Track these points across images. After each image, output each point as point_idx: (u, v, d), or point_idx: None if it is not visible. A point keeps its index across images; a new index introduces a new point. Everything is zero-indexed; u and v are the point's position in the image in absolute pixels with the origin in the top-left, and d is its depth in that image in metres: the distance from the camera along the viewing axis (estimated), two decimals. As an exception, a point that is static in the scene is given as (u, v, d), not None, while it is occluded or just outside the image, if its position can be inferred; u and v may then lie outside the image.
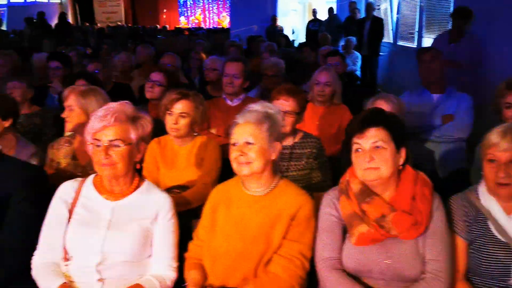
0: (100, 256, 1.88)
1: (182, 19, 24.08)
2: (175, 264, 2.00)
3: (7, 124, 2.75)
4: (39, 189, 2.05)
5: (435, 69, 3.47)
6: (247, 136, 1.90)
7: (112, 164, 1.90)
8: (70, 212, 1.96)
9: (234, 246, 1.92)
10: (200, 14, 23.95)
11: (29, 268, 1.93)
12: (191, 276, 1.97)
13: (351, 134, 1.85)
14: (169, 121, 2.74)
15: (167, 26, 21.08)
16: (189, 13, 24.14)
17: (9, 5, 17.18)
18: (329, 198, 1.95)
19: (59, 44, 8.72)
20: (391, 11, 9.65)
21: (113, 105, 1.99)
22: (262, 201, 1.96)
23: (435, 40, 5.61)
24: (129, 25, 22.24)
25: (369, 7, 9.04)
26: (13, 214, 1.96)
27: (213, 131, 3.57)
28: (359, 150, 1.83)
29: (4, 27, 14.90)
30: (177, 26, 20.89)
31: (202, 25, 22.87)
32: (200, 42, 7.45)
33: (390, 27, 9.72)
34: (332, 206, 1.92)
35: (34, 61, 5.16)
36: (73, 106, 2.68)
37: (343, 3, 11.65)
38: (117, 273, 1.89)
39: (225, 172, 2.84)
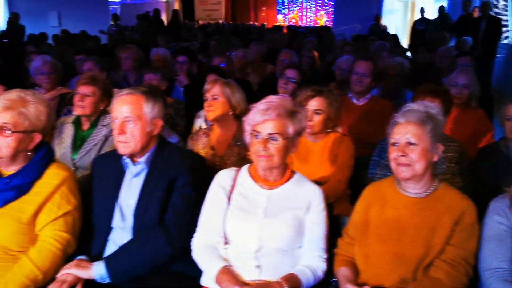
0: (258, 243, 1.96)
1: (280, 17, 24.27)
2: (325, 255, 2.03)
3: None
4: (200, 175, 2.18)
5: None
6: (410, 136, 1.87)
7: (269, 156, 1.98)
8: (228, 198, 2.06)
9: (390, 247, 1.90)
10: (297, 12, 24.00)
11: (189, 248, 2.07)
12: (342, 272, 1.99)
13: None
14: (304, 118, 2.78)
15: (266, 23, 21.45)
16: (286, 11, 24.30)
17: (122, 3, 18.46)
18: (498, 205, 1.86)
19: (171, 40, 9.19)
20: (511, 10, 8.99)
21: (274, 99, 2.05)
22: (420, 204, 1.92)
23: None
24: (229, 22, 22.88)
25: (486, 6, 8.50)
26: (177, 196, 2.10)
27: (339, 129, 3.56)
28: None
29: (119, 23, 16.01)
30: (275, 24, 21.12)
31: (299, 23, 22.91)
32: (309, 40, 7.45)
33: (510, 27, 9.06)
34: (503, 214, 1.83)
35: (153, 56, 5.47)
36: (218, 95, 2.81)
37: (455, 1, 11.04)
38: (272, 261, 1.96)
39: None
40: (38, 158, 2.12)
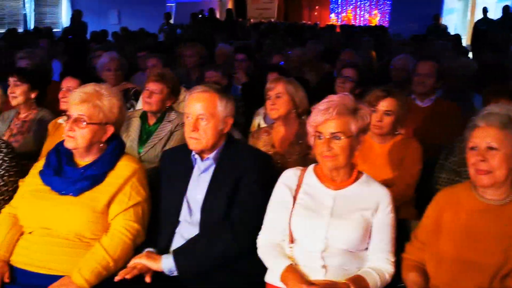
0: (324, 243, 1.94)
1: (332, 16, 24.00)
2: (393, 258, 1.99)
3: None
4: (266, 174, 2.19)
5: None
6: (490, 141, 1.79)
7: (333, 156, 1.95)
8: (294, 198, 2.06)
9: (464, 254, 1.83)
10: (351, 11, 23.64)
11: (254, 246, 2.08)
12: (411, 278, 1.94)
13: None
14: (373, 118, 2.73)
15: (318, 22, 21.27)
16: (339, 10, 24.00)
17: (178, 2, 18.86)
18: None
19: (227, 39, 9.28)
20: None
21: (334, 98, 2.03)
22: (499, 211, 1.83)
23: None
24: (281, 21, 22.87)
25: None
26: (244, 193, 2.12)
27: (402, 132, 3.47)
28: None
29: (171, 21, 16.37)
30: (328, 23, 20.91)
31: (352, 22, 22.56)
32: (367, 39, 7.32)
33: None
34: None
35: (218, 51, 5.55)
36: (281, 94, 2.81)
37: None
38: (338, 261, 1.94)
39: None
40: (111, 149, 2.20)
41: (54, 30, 11.07)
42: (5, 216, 2.19)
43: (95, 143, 2.16)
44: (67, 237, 2.06)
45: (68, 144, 2.13)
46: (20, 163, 2.45)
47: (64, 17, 13.71)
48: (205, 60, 5.23)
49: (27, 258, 2.05)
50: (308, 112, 2.87)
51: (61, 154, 2.20)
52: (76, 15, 11.30)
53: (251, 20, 22.49)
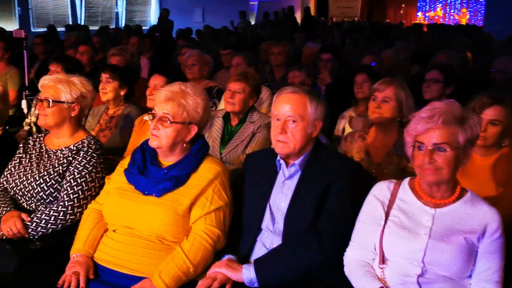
0: (421, 267, 1.75)
1: (420, 14, 22.91)
2: (500, 290, 1.75)
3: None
4: (357, 183, 2.03)
5: None
6: None
7: (436, 169, 1.75)
8: (387, 214, 1.88)
9: None
10: (440, 10, 22.41)
11: (341, 259, 1.94)
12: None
13: None
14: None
15: (404, 22, 20.40)
16: (427, 8, 22.85)
17: (260, 1, 18.96)
18: None
19: (307, 38, 9.10)
20: None
21: (439, 104, 1.82)
22: None
23: None
24: (364, 20, 22.22)
25: None
26: (332, 203, 1.97)
27: (508, 143, 3.13)
28: None
29: (253, 20, 16.47)
30: (415, 22, 19.99)
31: (441, 21, 21.37)
32: (462, 39, 6.82)
33: None
34: None
35: (305, 50, 5.41)
36: (390, 98, 2.60)
37: None
38: (437, 289, 1.73)
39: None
40: (195, 150, 2.15)
41: (143, 28, 11.52)
42: (91, 212, 2.22)
43: (179, 143, 2.12)
44: (149, 239, 2.03)
45: (153, 143, 2.10)
46: (108, 160, 2.48)
47: (152, 16, 14.27)
48: (291, 59, 5.13)
49: (110, 256, 2.05)
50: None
51: (146, 153, 2.19)
52: (164, 13, 11.68)
53: (333, 19, 22.10)
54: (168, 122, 2.06)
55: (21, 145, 2.49)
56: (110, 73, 3.52)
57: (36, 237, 2.22)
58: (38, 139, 2.50)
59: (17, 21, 10.81)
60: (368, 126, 3.38)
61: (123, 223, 2.08)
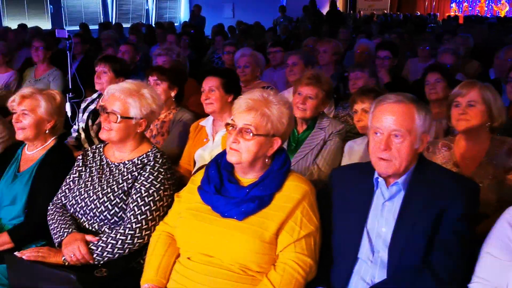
0: None
1: (453, 6, 22.16)
2: None
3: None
4: (474, 208, 1.74)
5: None
6: None
7: None
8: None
9: None
10: (484, 1, 21.55)
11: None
12: None
13: None
14: None
15: (437, 14, 19.76)
16: (461, -1, 22.10)
17: (289, -5, 18.61)
18: None
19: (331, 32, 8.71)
20: None
21: None
22: None
23: None
24: (394, 12, 21.63)
25: None
26: (448, 232, 1.68)
27: None
28: None
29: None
30: (448, 14, 19.34)
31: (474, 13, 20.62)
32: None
33: None
34: None
35: (358, 47, 5.09)
36: (476, 102, 2.32)
37: None
38: None
39: None
40: (277, 166, 1.89)
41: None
42: (160, 235, 1.99)
43: (260, 158, 1.87)
44: (231, 268, 1.79)
45: (231, 158, 1.85)
46: (176, 175, 2.25)
47: (182, 12, 14.09)
48: (339, 57, 4.83)
49: (184, 287, 1.82)
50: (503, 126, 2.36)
51: (221, 169, 1.94)
52: (196, 10, 11.47)
53: (361, 12, 21.57)
54: (250, 134, 1.81)
55: (80, 157, 2.28)
56: (157, 75, 3.30)
57: (102, 263, 2.00)
58: (97, 151, 2.28)
59: (49, 19, 10.75)
60: (443, 132, 3.09)
61: (200, 250, 1.84)
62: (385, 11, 21.33)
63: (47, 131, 2.42)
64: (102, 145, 2.32)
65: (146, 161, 2.15)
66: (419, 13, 20.79)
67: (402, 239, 1.72)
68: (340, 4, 21.99)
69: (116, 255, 2.00)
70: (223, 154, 1.98)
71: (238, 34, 9.40)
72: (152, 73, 3.34)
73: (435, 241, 1.69)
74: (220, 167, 1.95)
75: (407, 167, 1.76)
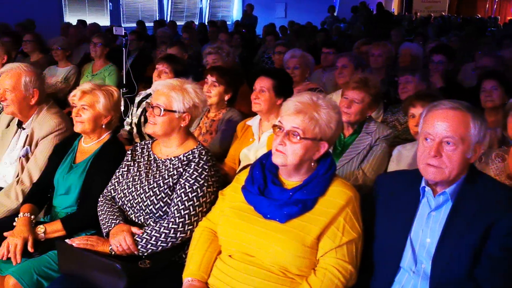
0: None
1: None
2: None
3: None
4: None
5: None
6: None
7: None
8: None
9: None
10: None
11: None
12: None
13: None
14: None
15: (498, 17, 18.90)
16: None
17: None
18: None
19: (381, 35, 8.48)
20: None
21: None
22: None
23: None
24: (453, 15, 20.87)
25: None
26: (495, 247, 1.62)
27: None
28: None
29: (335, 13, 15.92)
30: (510, 18, 18.43)
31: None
32: None
33: None
34: None
35: (403, 51, 4.98)
36: None
37: None
38: None
39: None
40: (322, 171, 1.88)
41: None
42: (203, 231, 2.03)
43: (306, 161, 1.86)
44: (271, 269, 1.80)
45: (277, 160, 1.86)
46: (220, 173, 2.28)
47: (235, 11, 14.23)
48: (391, 61, 4.72)
49: (224, 284, 1.84)
50: None
51: (266, 170, 1.95)
52: (248, 9, 11.56)
53: (418, 13, 20.95)
54: (298, 137, 1.81)
55: (129, 152, 2.36)
56: (217, 76, 3.30)
57: (145, 254, 2.06)
58: (146, 146, 2.36)
59: (108, 16, 11.16)
60: (497, 142, 2.96)
61: (241, 249, 1.86)
62: (443, 13, 20.63)
63: (103, 126, 2.52)
64: (150, 141, 2.39)
65: (191, 157, 2.20)
66: (479, 16, 19.98)
67: (447, 251, 1.67)
68: (395, 5, 21.52)
69: (159, 248, 2.06)
70: (268, 155, 1.99)
71: (290, 34, 9.38)
72: (212, 73, 3.33)
73: (482, 256, 1.63)
74: (264, 168, 1.96)
75: (456, 176, 1.70)
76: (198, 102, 2.22)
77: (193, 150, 2.23)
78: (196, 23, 11.77)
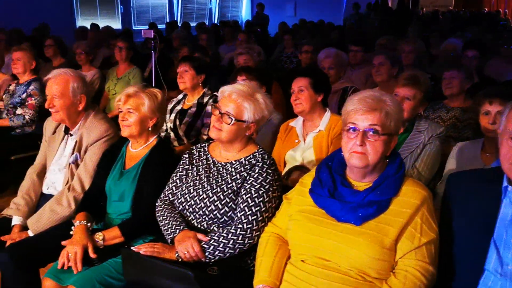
0: None
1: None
2: None
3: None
4: None
5: None
6: None
7: None
8: None
9: None
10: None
11: None
12: None
13: None
14: None
15: (506, 10, 18.78)
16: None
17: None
18: None
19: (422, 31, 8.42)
20: None
21: None
22: None
23: None
24: (460, 9, 20.76)
25: None
26: None
27: None
28: None
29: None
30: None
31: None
32: None
33: None
34: None
35: (444, 47, 4.94)
36: None
37: None
38: None
39: None
40: (393, 170, 1.84)
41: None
42: (270, 237, 1.99)
43: (382, 159, 1.82)
44: (348, 274, 1.75)
45: (358, 162, 1.79)
46: (280, 176, 2.24)
47: (244, 11, 14.19)
48: (421, 58, 4.68)
49: (299, 290, 1.81)
50: None
51: (333, 172, 1.91)
52: (259, 8, 11.52)
53: (424, 9, 20.84)
54: (376, 136, 1.77)
55: (186, 156, 2.32)
56: (246, 75, 3.31)
57: (213, 261, 2.03)
58: (202, 149, 2.32)
59: (119, 19, 11.13)
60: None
61: (316, 253, 1.82)
62: (450, 8, 20.53)
63: (149, 129, 2.49)
64: (206, 144, 2.35)
65: (254, 161, 2.16)
66: (487, 10, 19.87)
67: (536, 252, 1.63)
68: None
69: (227, 255, 2.02)
70: (333, 157, 1.95)
71: (303, 32, 9.33)
72: (241, 73, 3.35)
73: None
74: (331, 170, 1.92)
75: (543, 176, 1.66)
76: (267, 113, 2.18)
77: (255, 154, 2.19)
78: (206, 23, 11.74)
